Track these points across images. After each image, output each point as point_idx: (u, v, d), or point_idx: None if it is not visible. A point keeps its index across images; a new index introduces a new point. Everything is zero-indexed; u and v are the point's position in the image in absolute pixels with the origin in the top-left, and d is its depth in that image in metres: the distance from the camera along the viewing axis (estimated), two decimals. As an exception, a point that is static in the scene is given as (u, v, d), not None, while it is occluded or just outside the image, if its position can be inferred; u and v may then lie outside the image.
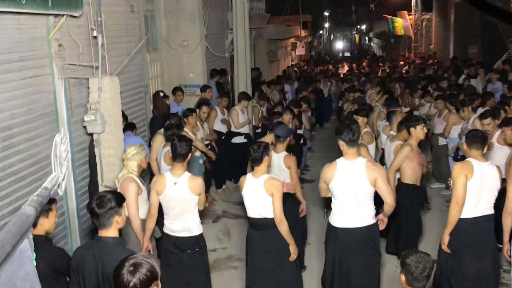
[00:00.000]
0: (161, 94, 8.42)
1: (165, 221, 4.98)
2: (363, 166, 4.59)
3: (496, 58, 15.16)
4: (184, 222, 4.89)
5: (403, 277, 3.26)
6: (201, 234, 5.01)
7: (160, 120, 7.93)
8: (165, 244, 5.01)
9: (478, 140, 4.79)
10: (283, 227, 4.81)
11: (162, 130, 6.71)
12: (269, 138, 6.21)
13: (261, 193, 4.79)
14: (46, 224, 3.95)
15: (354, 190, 4.62)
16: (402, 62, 24.41)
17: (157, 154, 6.65)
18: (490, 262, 4.86)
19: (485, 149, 4.91)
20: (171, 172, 4.88)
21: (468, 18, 19.75)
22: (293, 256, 4.94)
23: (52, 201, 3.99)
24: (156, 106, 8.29)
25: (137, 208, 4.99)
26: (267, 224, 4.84)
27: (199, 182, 4.88)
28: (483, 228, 4.83)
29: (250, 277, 5.14)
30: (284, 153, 5.84)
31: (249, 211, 4.99)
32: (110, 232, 3.44)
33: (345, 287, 4.80)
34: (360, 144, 5.54)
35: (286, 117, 7.70)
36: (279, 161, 5.79)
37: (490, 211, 4.86)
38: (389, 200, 4.66)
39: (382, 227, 4.96)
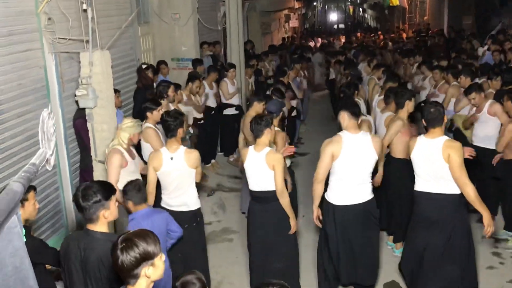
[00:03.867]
0: (143, 67, 8.32)
1: (163, 196, 5.00)
2: (369, 139, 4.60)
3: (490, 29, 15.06)
4: (182, 197, 4.91)
5: None
6: (199, 209, 5.04)
7: (143, 92, 7.86)
8: None
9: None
10: (285, 200, 4.83)
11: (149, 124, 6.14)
12: (254, 109, 6.22)
13: (263, 166, 4.79)
14: (22, 214, 3.75)
15: (361, 165, 4.59)
16: (404, 35, 24.13)
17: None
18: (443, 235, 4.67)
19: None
20: (166, 147, 4.89)
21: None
22: (293, 229, 4.97)
23: (29, 189, 3.74)
24: (140, 78, 8.22)
25: (116, 179, 5.00)
26: (269, 197, 4.86)
27: (195, 155, 4.90)
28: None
29: (251, 249, 5.17)
30: (276, 128, 5.79)
31: (251, 184, 5.00)
32: (97, 226, 3.23)
33: (352, 264, 4.82)
34: (362, 120, 5.52)
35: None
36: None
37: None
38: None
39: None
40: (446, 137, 4.55)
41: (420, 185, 4.72)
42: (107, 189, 3.26)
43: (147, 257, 2.44)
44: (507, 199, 6.20)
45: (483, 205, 4.44)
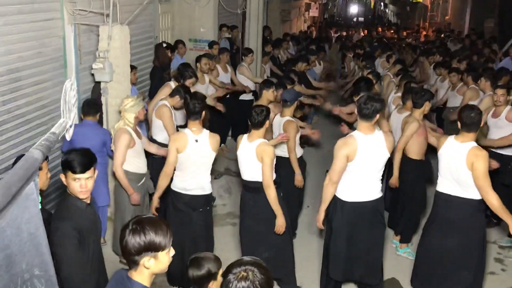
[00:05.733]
0: (164, 45, 8.31)
1: (176, 179, 4.92)
2: (382, 139, 4.47)
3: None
4: (199, 180, 4.88)
5: None
6: (211, 193, 5.05)
7: (160, 71, 7.86)
8: (174, 202, 4.97)
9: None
10: (271, 194, 4.73)
11: (171, 82, 6.57)
12: (265, 98, 6.19)
13: (252, 157, 4.77)
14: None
15: (375, 165, 4.51)
16: (424, 32, 23.87)
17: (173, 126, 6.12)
18: (459, 239, 4.71)
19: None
20: (190, 129, 4.81)
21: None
22: (279, 229, 4.83)
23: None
24: (157, 56, 8.19)
25: (122, 159, 5.03)
26: (260, 187, 4.81)
27: (218, 139, 4.91)
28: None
29: (241, 237, 5.18)
30: (287, 118, 5.75)
31: (242, 173, 4.99)
32: None
33: (356, 263, 4.77)
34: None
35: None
36: (280, 125, 5.75)
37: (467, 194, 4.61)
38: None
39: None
40: (474, 144, 4.50)
41: (442, 186, 4.72)
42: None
43: (151, 248, 2.34)
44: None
45: (507, 213, 4.40)
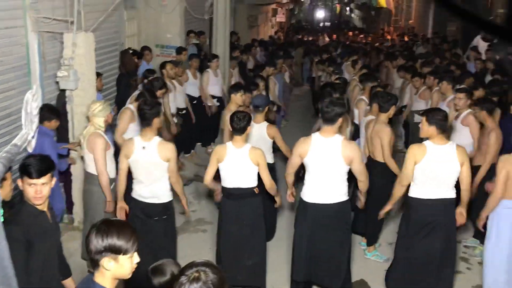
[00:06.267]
0: (130, 52, 8.25)
1: (134, 186, 4.88)
2: (339, 144, 4.48)
3: (474, 36, 15.16)
4: (152, 188, 4.79)
5: None
6: (170, 202, 4.91)
7: (126, 77, 7.79)
8: (132, 209, 4.92)
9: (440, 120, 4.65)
10: (274, 191, 5.04)
11: (130, 106, 6.22)
12: (234, 102, 6.23)
13: (246, 162, 4.77)
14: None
15: (328, 168, 4.55)
16: (388, 36, 24.25)
17: (124, 131, 6.04)
18: (442, 242, 4.82)
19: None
20: (140, 136, 4.76)
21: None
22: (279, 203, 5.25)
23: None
24: (124, 63, 8.11)
25: (104, 163, 4.96)
26: (245, 194, 4.86)
27: (168, 147, 4.73)
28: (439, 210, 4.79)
29: (222, 245, 5.11)
30: (265, 123, 5.81)
31: (227, 182, 4.91)
32: None
33: (317, 265, 4.77)
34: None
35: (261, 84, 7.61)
36: (261, 131, 5.75)
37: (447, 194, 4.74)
38: (363, 178, 4.72)
39: (361, 205, 5.12)
40: (454, 143, 4.68)
41: (418, 192, 4.75)
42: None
43: (111, 249, 2.38)
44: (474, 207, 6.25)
45: None
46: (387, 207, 5.10)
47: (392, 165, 5.60)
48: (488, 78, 9.38)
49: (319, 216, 4.66)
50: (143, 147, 4.67)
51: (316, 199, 4.65)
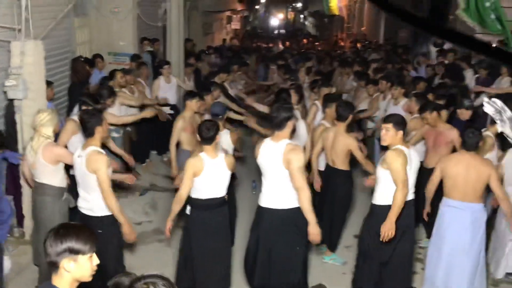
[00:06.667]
0: (81, 60, 8.08)
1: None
2: (281, 149, 4.50)
3: (423, 42, 15.56)
4: (86, 199, 4.63)
5: None
6: (106, 217, 4.60)
7: (79, 86, 7.60)
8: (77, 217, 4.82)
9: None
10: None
11: (74, 117, 5.95)
12: (189, 108, 6.22)
13: (224, 172, 4.75)
14: None
15: (273, 172, 4.59)
16: (342, 43, 24.57)
17: (64, 143, 5.70)
18: (408, 243, 5.03)
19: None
20: (82, 146, 4.63)
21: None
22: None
23: None
24: (75, 72, 7.92)
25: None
26: (216, 203, 4.81)
27: (96, 158, 4.43)
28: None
29: (195, 259, 4.92)
30: (227, 130, 5.88)
31: (202, 193, 4.75)
32: None
33: (267, 270, 4.73)
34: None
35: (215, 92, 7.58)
36: (226, 138, 5.81)
37: (412, 196, 4.95)
38: (297, 184, 4.50)
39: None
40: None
41: (387, 199, 4.79)
42: None
43: (70, 250, 2.43)
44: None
45: None
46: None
47: (369, 166, 5.81)
48: (437, 82, 9.67)
49: (267, 220, 4.70)
50: (78, 156, 4.56)
51: (267, 204, 4.70)
